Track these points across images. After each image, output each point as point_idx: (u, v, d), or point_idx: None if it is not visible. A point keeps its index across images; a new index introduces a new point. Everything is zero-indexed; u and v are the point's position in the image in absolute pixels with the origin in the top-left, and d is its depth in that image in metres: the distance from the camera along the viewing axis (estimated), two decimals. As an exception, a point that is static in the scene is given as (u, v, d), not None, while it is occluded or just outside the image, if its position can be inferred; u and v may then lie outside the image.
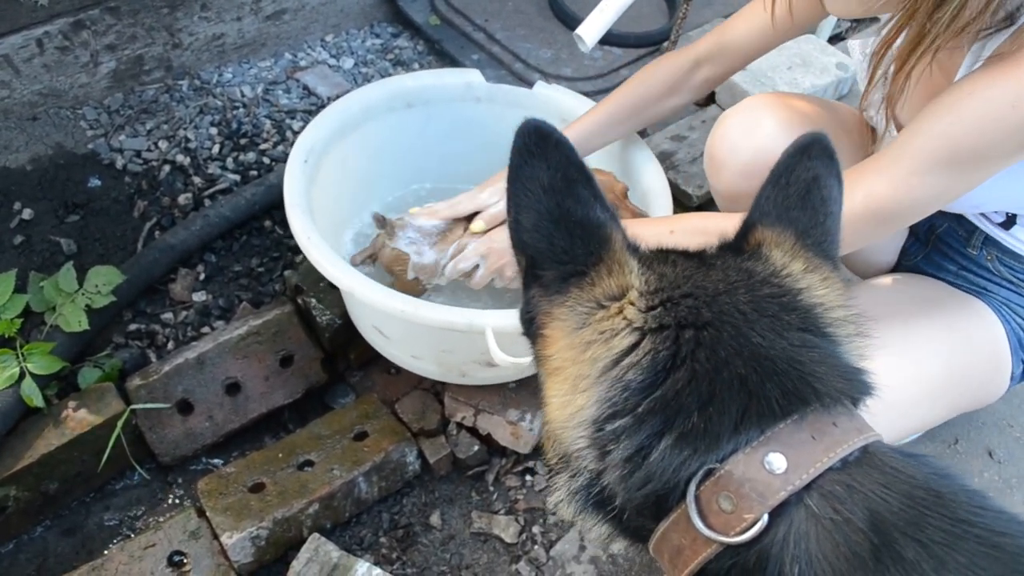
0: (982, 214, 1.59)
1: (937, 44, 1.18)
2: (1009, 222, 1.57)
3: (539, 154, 0.86)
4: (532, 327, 0.90)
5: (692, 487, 0.74)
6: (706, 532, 0.73)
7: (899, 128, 1.53)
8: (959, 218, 1.65)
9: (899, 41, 1.25)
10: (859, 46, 1.66)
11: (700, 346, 0.78)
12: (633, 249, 0.89)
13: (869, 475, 0.73)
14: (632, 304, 0.82)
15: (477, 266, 1.80)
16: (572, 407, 0.82)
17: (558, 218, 0.86)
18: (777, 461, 0.72)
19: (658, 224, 1.61)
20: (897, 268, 1.86)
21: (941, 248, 1.73)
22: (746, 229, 0.95)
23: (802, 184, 0.94)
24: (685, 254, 0.92)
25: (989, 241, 1.62)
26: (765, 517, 0.71)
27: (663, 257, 0.90)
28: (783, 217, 0.93)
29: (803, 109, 1.71)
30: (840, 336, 0.84)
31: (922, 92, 1.38)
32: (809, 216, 0.93)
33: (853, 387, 0.80)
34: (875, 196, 1.32)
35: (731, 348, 0.78)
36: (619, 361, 0.80)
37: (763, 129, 1.67)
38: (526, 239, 0.87)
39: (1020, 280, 1.62)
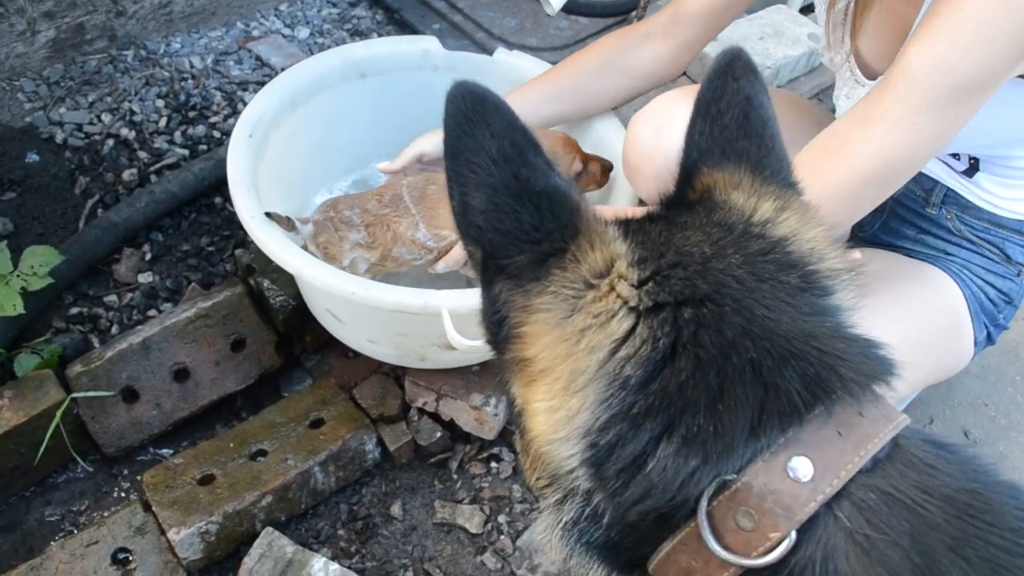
0: (946, 163, 1.53)
1: None
2: (972, 169, 1.51)
3: (479, 121, 0.72)
4: (502, 330, 0.75)
5: (703, 503, 0.64)
6: (723, 554, 0.64)
7: (862, 67, 1.46)
8: (917, 179, 1.55)
9: None
10: None
11: (702, 327, 0.67)
12: (606, 218, 0.76)
13: (905, 476, 0.64)
14: (623, 278, 0.70)
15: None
16: (563, 412, 0.70)
17: (517, 191, 0.71)
18: (802, 467, 0.62)
19: None
20: (853, 241, 1.79)
21: (898, 212, 1.67)
22: (687, 174, 0.84)
23: (736, 109, 0.82)
24: (647, 217, 0.82)
25: (949, 198, 1.57)
26: (793, 534, 0.62)
27: (632, 223, 0.79)
28: (728, 152, 0.81)
29: None
30: (841, 294, 0.75)
31: (886, 20, 1.31)
32: (756, 144, 0.82)
33: (877, 367, 0.69)
34: (884, 147, 1.21)
35: (737, 327, 0.67)
36: (615, 351, 0.68)
37: (675, 131, 1.51)
38: (480, 223, 0.72)
39: (980, 238, 1.57)
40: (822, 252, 0.76)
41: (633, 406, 0.67)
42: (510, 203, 0.72)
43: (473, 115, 0.72)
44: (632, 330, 0.68)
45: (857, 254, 1.69)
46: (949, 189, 1.57)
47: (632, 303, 0.69)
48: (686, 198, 0.83)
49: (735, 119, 0.82)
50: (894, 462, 0.65)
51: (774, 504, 0.62)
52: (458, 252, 1.71)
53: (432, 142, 1.79)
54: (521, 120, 0.74)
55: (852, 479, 0.62)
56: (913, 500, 0.62)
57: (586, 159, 1.81)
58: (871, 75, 1.46)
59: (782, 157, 0.83)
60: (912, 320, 1.52)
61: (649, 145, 1.60)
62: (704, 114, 0.83)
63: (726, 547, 0.64)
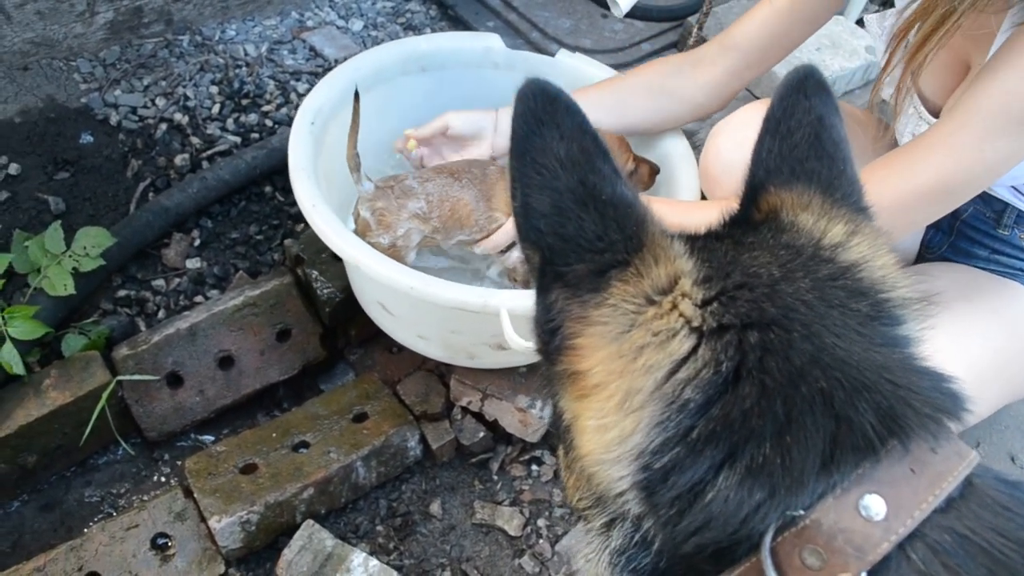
0: (1014, 187, 1.51)
1: (962, 20, 1.15)
2: None
3: (549, 121, 0.69)
4: (555, 339, 0.71)
5: (767, 539, 0.61)
6: None
7: (923, 99, 1.47)
8: (986, 200, 1.58)
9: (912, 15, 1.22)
10: (876, 20, 1.56)
11: (769, 352, 0.63)
12: (672, 232, 0.72)
13: (980, 518, 0.60)
14: (686, 296, 0.67)
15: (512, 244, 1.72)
16: (616, 432, 0.66)
17: (583, 198, 0.68)
18: (875, 505, 0.59)
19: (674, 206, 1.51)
20: (919, 263, 1.76)
21: (968, 234, 1.65)
22: (753, 193, 0.80)
23: (807, 128, 0.79)
24: (712, 234, 0.78)
25: (1022, 218, 1.55)
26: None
27: (698, 240, 0.75)
28: (797, 171, 0.78)
29: None
30: (911, 324, 0.71)
31: (946, 59, 1.33)
32: (828, 166, 0.78)
33: (949, 402, 0.66)
34: (944, 170, 1.25)
35: (806, 354, 0.63)
36: (674, 372, 0.64)
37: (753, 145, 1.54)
38: (541, 227, 0.69)
39: None
40: (894, 280, 0.73)
41: (691, 431, 0.63)
42: (574, 209, 0.69)
43: (543, 115, 0.70)
44: (693, 351, 0.65)
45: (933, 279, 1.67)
46: (1021, 211, 1.54)
47: (695, 323, 0.66)
48: (751, 218, 0.79)
49: (806, 138, 0.79)
50: (968, 502, 0.61)
51: (845, 543, 0.59)
52: (498, 237, 1.72)
53: (461, 118, 1.79)
54: (592, 124, 0.71)
55: (926, 519, 0.59)
56: (990, 543, 0.59)
57: (637, 161, 1.79)
58: (933, 110, 1.46)
59: (853, 180, 0.80)
60: (1005, 333, 1.50)
61: (731, 157, 1.60)
62: (773, 132, 0.80)
63: None
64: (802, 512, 0.60)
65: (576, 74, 1.96)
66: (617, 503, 0.69)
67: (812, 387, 0.62)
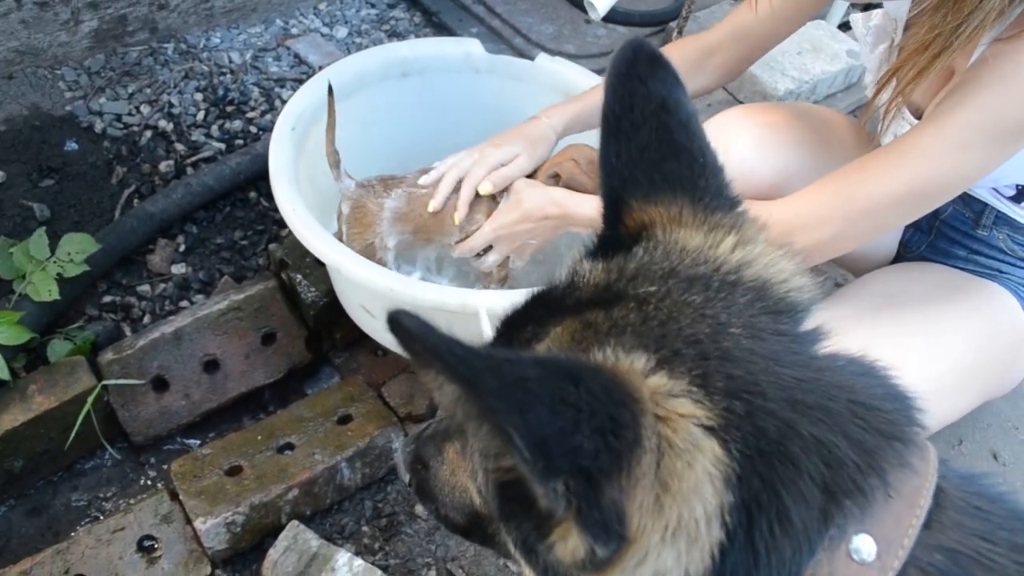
0: (994, 189, 1.54)
1: (956, 52, 1.18)
2: (1020, 195, 1.52)
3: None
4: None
5: None
6: None
7: (912, 109, 1.48)
8: (966, 201, 1.59)
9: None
10: (861, 20, 1.57)
11: (759, 432, 0.59)
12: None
13: (961, 526, 0.60)
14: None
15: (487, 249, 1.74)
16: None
17: None
18: (866, 547, 0.57)
19: None
20: (898, 262, 1.78)
21: (947, 234, 1.67)
22: (615, 208, 0.73)
23: (652, 120, 0.70)
24: (612, 292, 0.68)
25: (1001, 219, 1.57)
26: None
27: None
28: (656, 179, 0.70)
29: (778, 122, 1.61)
30: (810, 317, 0.69)
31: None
32: (686, 163, 0.71)
33: (906, 405, 0.64)
34: (918, 177, 1.27)
35: (783, 413, 0.59)
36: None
37: (736, 151, 1.56)
38: None
39: None
40: (798, 284, 0.69)
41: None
42: None
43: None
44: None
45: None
46: (999, 212, 1.56)
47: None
48: (621, 238, 0.73)
49: (654, 133, 0.71)
50: (945, 511, 0.61)
51: None
52: (475, 240, 1.73)
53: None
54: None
55: (914, 543, 0.58)
56: (978, 552, 0.59)
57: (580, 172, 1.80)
58: (916, 112, 1.48)
59: (716, 169, 0.73)
60: (985, 331, 1.52)
61: None
62: (616, 132, 0.72)
63: None
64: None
65: (557, 78, 1.98)
66: None
67: (802, 443, 0.59)
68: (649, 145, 0.71)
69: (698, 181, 0.71)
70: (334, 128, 1.68)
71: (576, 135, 1.76)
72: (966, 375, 1.49)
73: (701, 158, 0.72)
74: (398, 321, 0.52)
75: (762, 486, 0.57)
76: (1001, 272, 1.59)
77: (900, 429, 0.62)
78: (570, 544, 0.59)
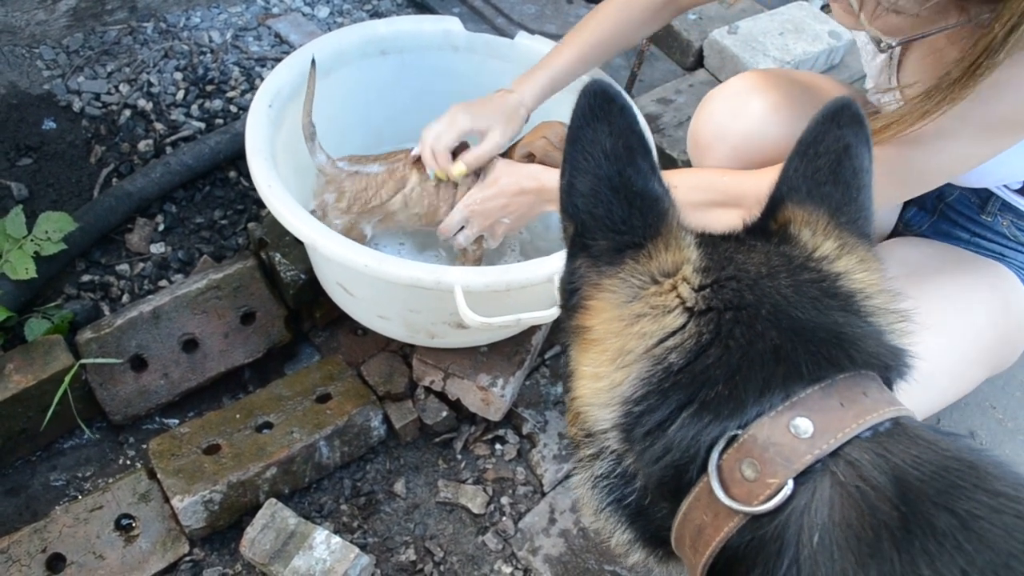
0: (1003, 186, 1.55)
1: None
2: None
3: (603, 117, 0.82)
4: (574, 298, 0.84)
5: (714, 455, 0.71)
6: (728, 502, 0.69)
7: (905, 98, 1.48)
8: (973, 187, 1.60)
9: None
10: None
11: (738, 324, 0.74)
12: (688, 227, 0.84)
13: (900, 445, 0.68)
14: (686, 281, 0.78)
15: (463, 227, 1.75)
16: (607, 382, 0.78)
17: (618, 186, 0.81)
18: (804, 425, 0.68)
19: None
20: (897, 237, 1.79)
21: (951, 216, 1.67)
22: (773, 206, 0.90)
23: (832, 155, 0.88)
24: (723, 235, 0.89)
25: (1006, 207, 1.58)
26: (790, 483, 0.67)
27: (707, 237, 0.86)
28: (814, 193, 0.87)
29: (792, 89, 1.61)
30: (883, 324, 0.80)
31: (928, 60, 1.35)
32: (842, 191, 0.87)
33: (891, 361, 0.76)
34: (900, 160, 1.27)
35: (768, 321, 0.74)
36: (664, 341, 0.75)
37: (751, 112, 1.57)
38: (579, 204, 0.82)
39: None
40: (872, 290, 0.81)
41: (665, 382, 0.74)
42: (608, 194, 0.82)
43: (599, 111, 0.82)
44: (683, 327, 0.75)
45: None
46: (1005, 200, 1.57)
47: (688, 303, 0.76)
48: (767, 228, 0.89)
49: (828, 164, 0.87)
50: (893, 435, 0.69)
51: (775, 454, 0.68)
52: (451, 218, 1.74)
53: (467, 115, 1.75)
54: (640, 125, 0.84)
55: (850, 442, 0.68)
56: (904, 462, 0.66)
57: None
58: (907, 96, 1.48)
59: (863, 208, 0.88)
60: (997, 308, 1.53)
61: (725, 123, 1.60)
62: (802, 154, 0.89)
63: (732, 497, 0.69)
64: (740, 431, 0.70)
65: (534, 55, 1.95)
66: (601, 439, 0.79)
67: (767, 344, 0.73)
68: (820, 170, 0.88)
69: (843, 207, 0.86)
70: (312, 100, 1.68)
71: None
72: (987, 347, 1.51)
73: (856, 194, 0.87)
74: None
75: (716, 365, 0.73)
76: (1004, 256, 1.60)
77: (873, 366, 0.74)
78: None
